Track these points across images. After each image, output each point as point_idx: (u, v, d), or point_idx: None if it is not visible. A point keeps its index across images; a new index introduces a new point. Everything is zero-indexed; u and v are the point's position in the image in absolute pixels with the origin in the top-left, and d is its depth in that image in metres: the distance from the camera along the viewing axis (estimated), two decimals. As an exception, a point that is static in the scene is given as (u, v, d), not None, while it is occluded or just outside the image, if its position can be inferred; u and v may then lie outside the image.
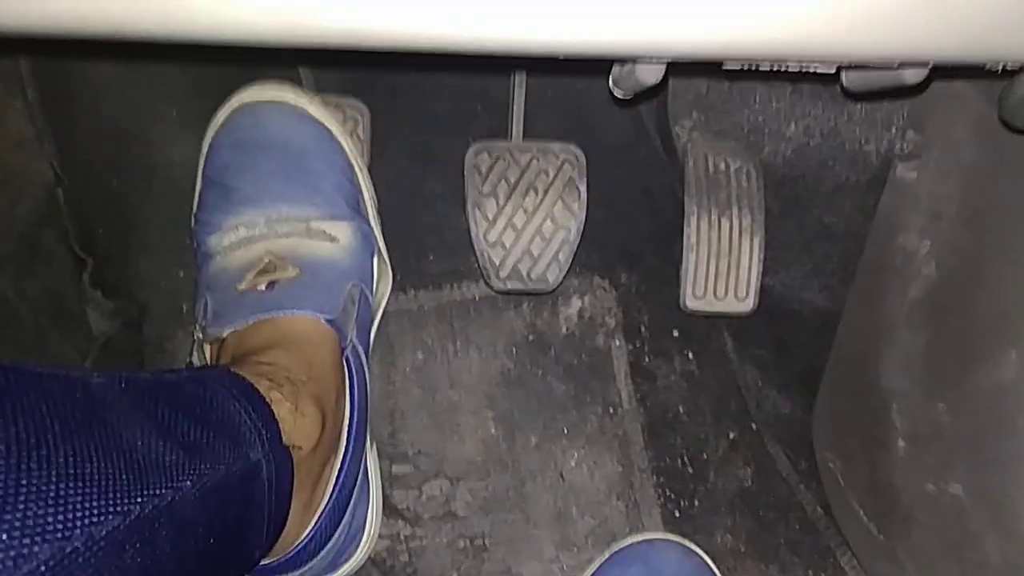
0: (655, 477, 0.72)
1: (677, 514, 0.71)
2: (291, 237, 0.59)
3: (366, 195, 0.65)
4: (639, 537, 0.63)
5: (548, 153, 0.66)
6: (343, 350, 0.59)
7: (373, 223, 0.65)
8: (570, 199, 0.66)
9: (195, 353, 0.59)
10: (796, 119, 0.71)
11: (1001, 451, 0.57)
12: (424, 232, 0.74)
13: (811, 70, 0.34)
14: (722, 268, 0.69)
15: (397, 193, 0.71)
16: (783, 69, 0.33)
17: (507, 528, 0.70)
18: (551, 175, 0.66)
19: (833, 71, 0.35)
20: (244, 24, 0.32)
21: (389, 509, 0.69)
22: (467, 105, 0.73)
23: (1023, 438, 0.55)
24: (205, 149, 0.62)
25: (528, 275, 0.67)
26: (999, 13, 0.28)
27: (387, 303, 0.72)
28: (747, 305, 0.69)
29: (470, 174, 0.66)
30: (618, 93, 0.40)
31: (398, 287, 0.74)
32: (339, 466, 0.57)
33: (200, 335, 0.58)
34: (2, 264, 0.61)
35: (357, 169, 0.64)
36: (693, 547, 0.62)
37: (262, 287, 0.57)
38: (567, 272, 0.68)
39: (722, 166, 0.69)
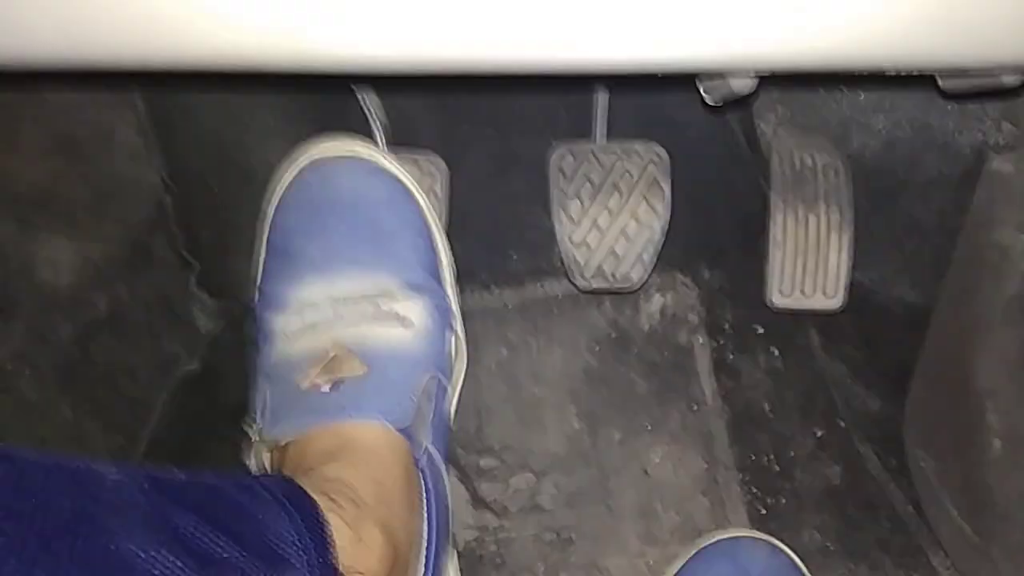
0: (740, 474, 0.72)
1: (763, 511, 0.71)
2: (359, 324, 0.54)
3: (444, 260, 0.60)
4: (725, 534, 0.63)
5: (631, 153, 0.67)
6: (417, 460, 0.53)
7: (451, 292, 0.60)
8: (654, 199, 0.66)
9: (252, 457, 0.54)
10: (885, 112, 0.70)
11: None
12: (507, 230, 0.76)
13: (908, 73, 0.34)
14: (809, 265, 0.68)
15: (480, 192, 0.73)
16: (879, 73, 0.33)
17: (592, 522, 0.71)
18: (635, 175, 0.67)
19: (930, 74, 0.35)
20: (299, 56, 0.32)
21: (477, 501, 0.72)
22: (549, 104, 0.74)
23: None
24: (270, 212, 0.58)
25: (612, 275, 0.67)
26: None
27: (473, 301, 0.74)
28: (836, 302, 0.68)
29: (554, 175, 0.67)
30: (709, 100, 0.40)
31: (482, 285, 0.76)
32: None
33: (256, 437, 0.53)
34: (117, 268, 0.66)
35: (435, 230, 0.60)
36: (780, 545, 0.62)
37: (326, 388, 0.52)
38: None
39: (808, 162, 0.69)
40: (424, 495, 0.53)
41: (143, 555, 0.33)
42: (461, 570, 0.69)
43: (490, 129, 0.74)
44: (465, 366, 0.63)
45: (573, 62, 0.32)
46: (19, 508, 0.30)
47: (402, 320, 0.55)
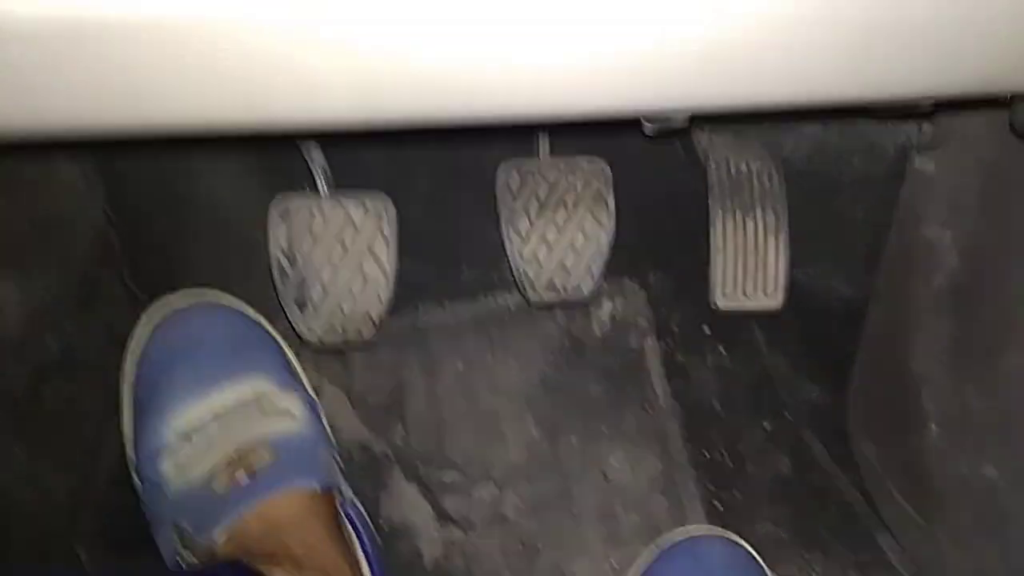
0: (695, 471, 0.75)
1: (719, 507, 0.73)
2: (251, 425, 0.58)
3: (305, 380, 0.65)
4: (684, 534, 0.65)
5: (576, 168, 0.69)
6: (342, 505, 0.60)
7: (313, 395, 0.65)
8: (599, 212, 0.68)
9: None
10: (814, 116, 0.73)
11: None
12: (457, 246, 0.77)
13: (838, 107, 0.36)
14: (749, 267, 0.71)
15: (428, 208, 0.74)
16: (809, 109, 0.35)
17: (556, 528, 0.73)
18: (579, 189, 0.68)
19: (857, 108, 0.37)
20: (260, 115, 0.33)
21: (442, 516, 0.72)
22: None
23: (1052, 418, 0.57)
24: (130, 371, 0.61)
25: (563, 288, 0.69)
26: (1004, 50, 0.30)
27: (427, 318, 0.75)
28: (776, 301, 0.71)
29: (501, 193, 0.69)
30: (647, 131, 0.42)
31: (435, 302, 0.77)
32: None
33: (185, 556, 0.55)
34: (66, 306, 0.65)
35: (292, 357, 0.65)
36: (737, 539, 0.65)
37: (245, 480, 0.56)
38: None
39: (743, 167, 0.71)
40: (357, 535, 0.59)
41: None
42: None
43: (435, 147, 0.75)
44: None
45: (515, 113, 0.33)
46: None
47: (288, 413, 0.60)
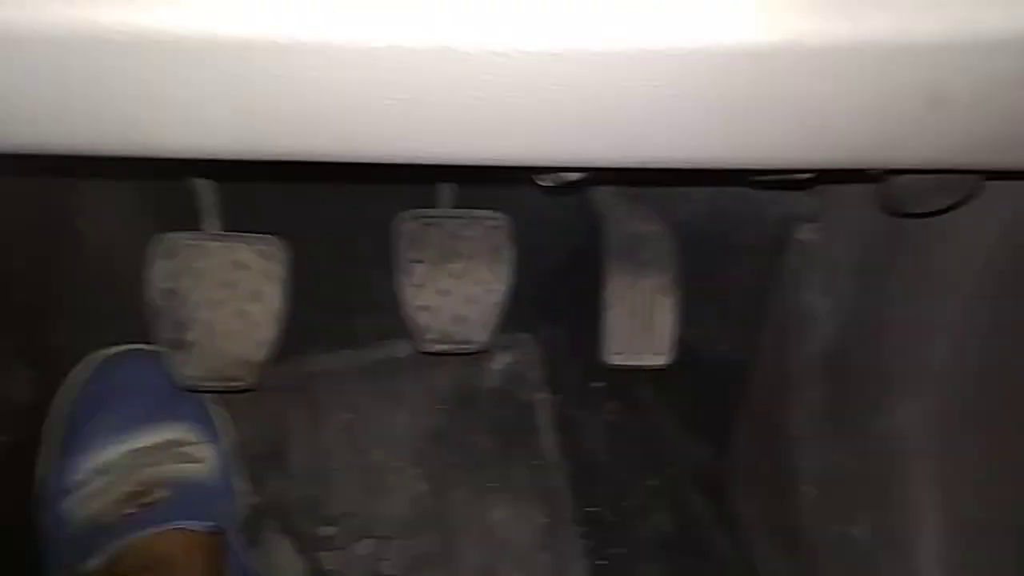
0: (579, 527, 0.75)
1: (603, 563, 0.73)
2: (158, 466, 0.60)
3: (223, 434, 0.67)
4: None
5: (475, 221, 0.68)
6: (227, 554, 0.60)
7: (230, 450, 0.67)
8: (497, 264, 0.68)
9: None
10: (701, 181, 0.75)
11: (898, 494, 0.61)
12: (349, 292, 0.75)
13: (723, 170, 0.37)
14: (640, 324, 0.72)
15: (323, 254, 0.72)
16: (697, 171, 0.36)
17: (437, 586, 0.71)
18: (478, 240, 0.68)
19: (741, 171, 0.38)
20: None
21: (316, 573, 0.70)
22: (394, 169, 0.75)
23: (919, 482, 0.60)
24: (54, 413, 0.63)
25: (457, 336, 0.68)
26: (876, 129, 0.32)
27: (315, 364, 0.73)
28: (664, 359, 0.72)
29: (400, 241, 0.68)
30: (542, 183, 0.42)
31: (324, 347, 0.75)
32: None
33: None
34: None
35: (216, 414, 0.67)
36: None
37: (133, 510, 0.57)
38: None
39: (638, 228, 0.73)
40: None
41: None
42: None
43: (333, 191, 0.74)
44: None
45: (406, 154, 0.33)
46: None
47: (197, 460, 0.63)
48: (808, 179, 0.41)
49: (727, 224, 0.76)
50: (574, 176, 0.40)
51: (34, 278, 0.68)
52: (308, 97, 0.30)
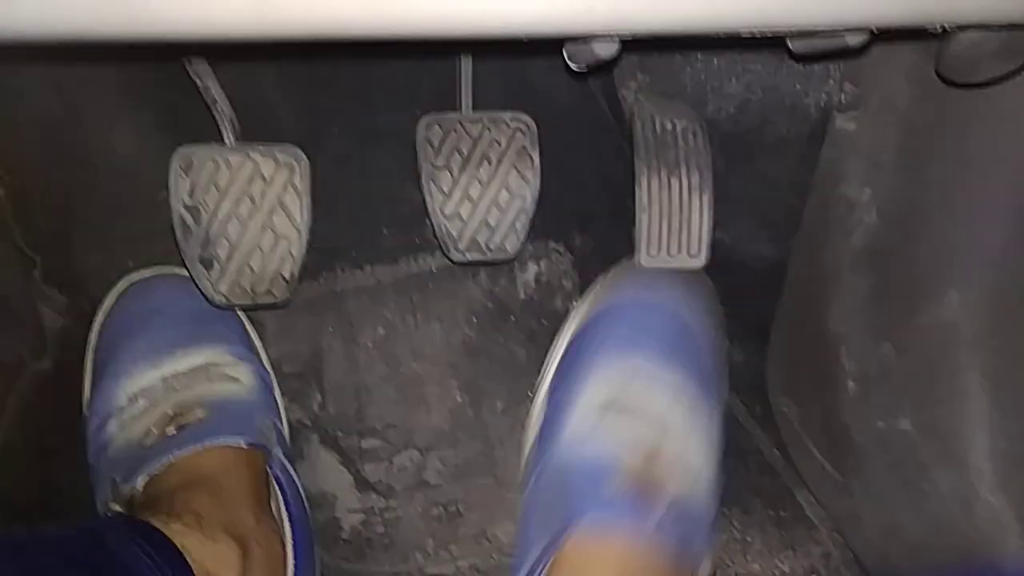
0: (619, 433, 0.74)
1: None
2: (194, 388, 0.60)
3: (262, 354, 0.68)
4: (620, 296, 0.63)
5: (499, 123, 0.66)
6: (270, 466, 0.60)
7: (269, 369, 0.68)
8: (523, 168, 0.66)
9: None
10: (737, 76, 0.72)
11: (945, 386, 0.60)
12: (377, 207, 0.74)
13: (762, 35, 0.35)
14: (674, 226, 0.70)
15: (346, 170, 0.71)
16: (736, 35, 0.34)
17: (479, 493, 0.71)
18: (503, 144, 0.66)
19: (781, 35, 0.36)
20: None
21: (361, 483, 0.70)
22: (412, 78, 0.72)
23: (965, 373, 0.59)
24: (93, 339, 0.64)
25: (487, 245, 0.67)
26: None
27: (345, 281, 0.73)
28: (700, 261, 0.71)
29: (422, 148, 0.66)
30: (574, 67, 0.40)
31: (355, 264, 0.74)
32: None
33: (112, 508, 0.56)
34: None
35: (253, 333, 0.68)
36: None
37: (172, 434, 0.58)
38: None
39: (669, 126, 0.70)
40: (283, 496, 0.59)
41: None
42: (347, 557, 0.69)
43: (352, 105, 0.72)
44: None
45: (435, 27, 0.31)
46: None
47: (233, 379, 0.62)
48: (860, 46, 0.38)
49: (760, 118, 0.73)
50: (607, 52, 0.38)
51: (58, 205, 0.67)
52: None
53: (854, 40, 0.37)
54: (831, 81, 0.71)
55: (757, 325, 0.78)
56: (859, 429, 0.66)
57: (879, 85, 0.64)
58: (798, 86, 0.72)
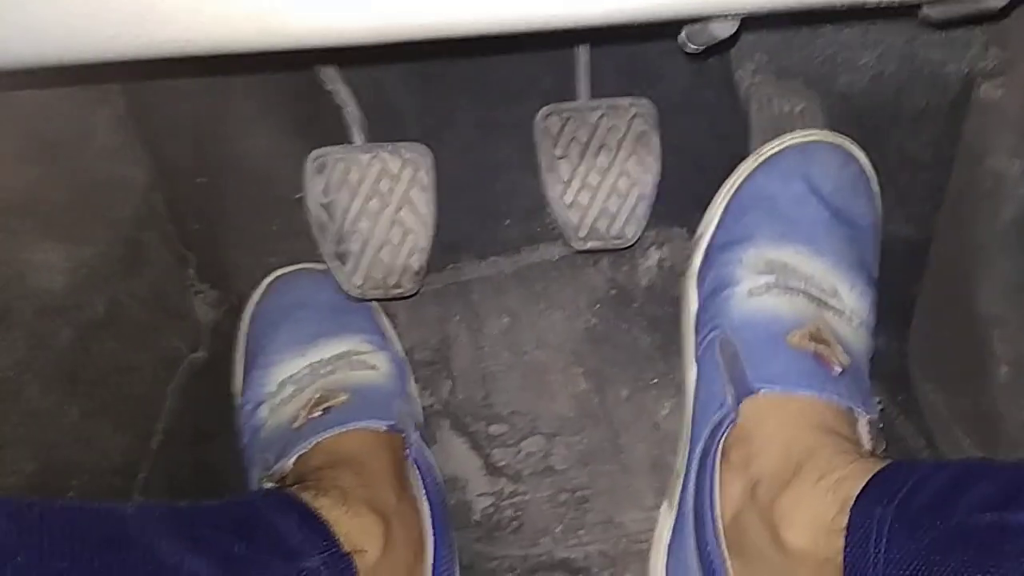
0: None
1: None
2: (336, 373, 0.64)
3: (397, 343, 0.71)
4: (792, 140, 0.63)
5: (617, 108, 0.66)
6: (408, 451, 0.62)
7: (402, 353, 0.71)
8: (644, 153, 0.66)
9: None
10: (869, 47, 0.69)
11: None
12: (497, 198, 0.75)
13: (891, 4, 0.33)
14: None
15: (467, 163, 0.73)
16: (862, 6, 0.32)
17: (606, 479, 0.72)
18: (623, 130, 0.66)
19: (913, 3, 0.34)
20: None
21: (490, 468, 0.72)
22: (529, 67, 0.73)
23: None
24: (243, 328, 0.69)
25: (607, 232, 0.67)
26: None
27: (470, 272, 0.75)
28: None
29: (541, 138, 0.67)
30: (689, 49, 0.39)
31: (477, 255, 0.76)
32: (431, 561, 0.59)
33: (265, 484, 0.60)
34: (111, 267, 0.65)
35: (386, 322, 0.72)
36: (855, 152, 0.64)
37: (318, 414, 0.61)
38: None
39: (786, 108, 0.68)
40: (422, 480, 0.61)
41: (174, 561, 0.40)
42: (479, 538, 0.70)
43: (471, 99, 0.73)
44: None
45: (556, 17, 0.31)
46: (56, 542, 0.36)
47: (372, 367, 0.66)
48: (1001, 7, 0.35)
49: (896, 90, 0.69)
50: (724, 32, 0.37)
51: (204, 206, 0.72)
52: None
53: (994, 1, 0.34)
54: (974, 46, 0.66)
55: (899, 308, 0.74)
56: (1012, 416, 0.62)
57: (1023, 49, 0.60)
58: (937, 54, 0.68)
